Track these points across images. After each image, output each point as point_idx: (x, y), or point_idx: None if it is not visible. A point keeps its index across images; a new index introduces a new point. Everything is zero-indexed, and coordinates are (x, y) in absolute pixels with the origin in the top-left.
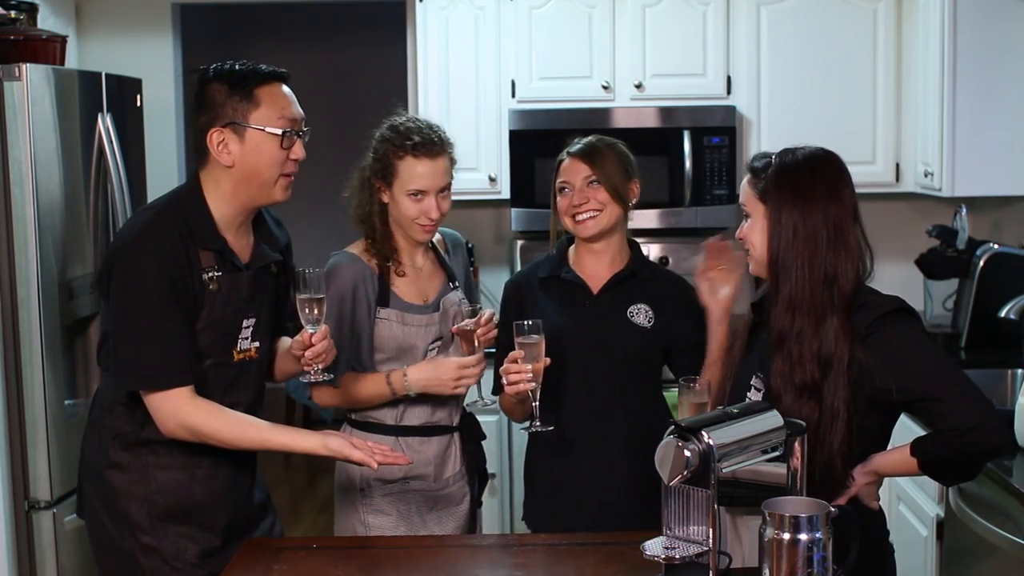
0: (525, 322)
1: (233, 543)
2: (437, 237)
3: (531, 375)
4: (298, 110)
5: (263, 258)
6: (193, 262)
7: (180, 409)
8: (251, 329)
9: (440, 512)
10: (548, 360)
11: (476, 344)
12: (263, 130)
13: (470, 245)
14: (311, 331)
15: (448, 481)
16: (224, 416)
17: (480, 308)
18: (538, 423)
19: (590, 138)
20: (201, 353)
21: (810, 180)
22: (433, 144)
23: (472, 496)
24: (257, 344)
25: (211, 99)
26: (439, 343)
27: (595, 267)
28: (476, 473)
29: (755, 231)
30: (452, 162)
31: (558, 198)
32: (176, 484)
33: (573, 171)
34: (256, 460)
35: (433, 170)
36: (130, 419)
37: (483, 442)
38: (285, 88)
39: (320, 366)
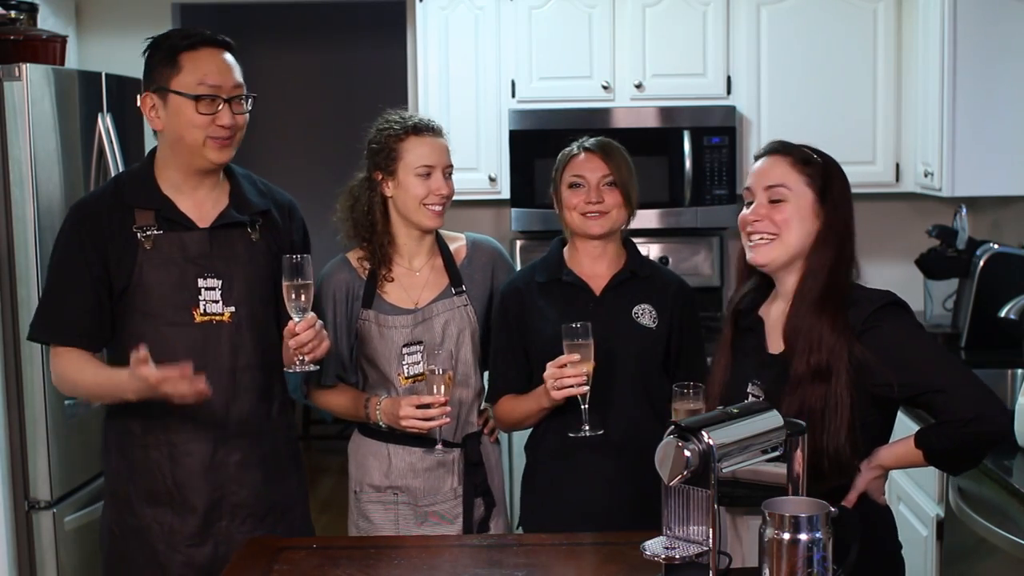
0: (575, 324)
1: (228, 533)
2: (460, 243)
3: (585, 378)
4: (228, 77)
5: (225, 219)
6: (120, 221)
7: (55, 358)
8: (218, 292)
9: (427, 529)
10: (594, 362)
11: (435, 387)
12: (180, 94)
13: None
14: (296, 319)
15: (439, 498)
16: (79, 359)
17: (438, 371)
18: (587, 427)
19: (600, 138)
20: (150, 313)
21: (846, 186)
22: (433, 125)
23: (466, 519)
24: (232, 309)
25: (147, 65)
26: (418, 347)
27: (593, 267)
28: (476, 496)
29: (797, 216)
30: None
31: (566, 193)
32: (151, 462)
33: (590, 167)
34: (280, 454)
35: (437, 147)
36: None
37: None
38: (220, 54)
39: (307, 357)
